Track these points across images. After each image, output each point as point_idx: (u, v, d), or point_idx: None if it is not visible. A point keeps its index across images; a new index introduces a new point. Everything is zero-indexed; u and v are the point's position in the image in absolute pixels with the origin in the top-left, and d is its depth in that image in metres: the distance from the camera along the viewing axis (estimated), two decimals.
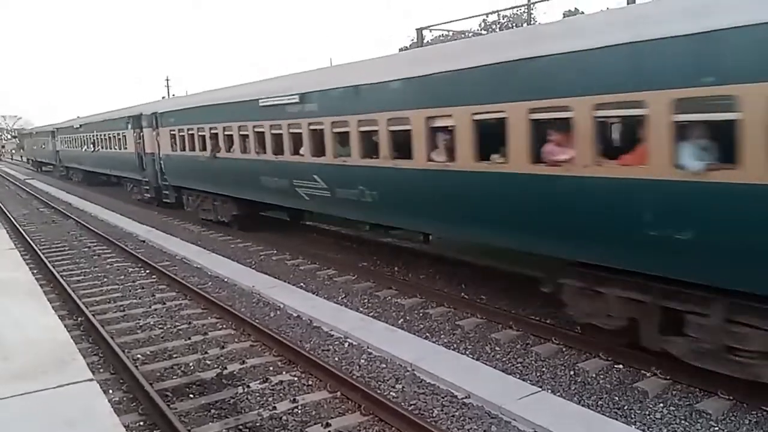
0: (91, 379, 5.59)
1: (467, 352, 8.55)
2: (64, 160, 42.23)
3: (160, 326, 10.11)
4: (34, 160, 58.72)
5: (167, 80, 63.38)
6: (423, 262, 13.50)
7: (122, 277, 13.62)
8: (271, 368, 8.20)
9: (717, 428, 6.31)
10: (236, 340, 9.33)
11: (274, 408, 6.96)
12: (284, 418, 6.78)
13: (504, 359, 8.31)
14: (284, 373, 7.99)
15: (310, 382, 7.64)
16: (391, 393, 7.24)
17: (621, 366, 7.84)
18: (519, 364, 8.12)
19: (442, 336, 9.24)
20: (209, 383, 7.79)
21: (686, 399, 6.93)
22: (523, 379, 7.56)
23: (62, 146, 41.39)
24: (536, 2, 20.22)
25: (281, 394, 7.34)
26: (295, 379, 7.77)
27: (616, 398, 7.04)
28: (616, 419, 6.50)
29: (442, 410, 6.78)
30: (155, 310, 11.05)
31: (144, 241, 17.86)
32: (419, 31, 17.96)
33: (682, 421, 6.45)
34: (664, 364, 7.60)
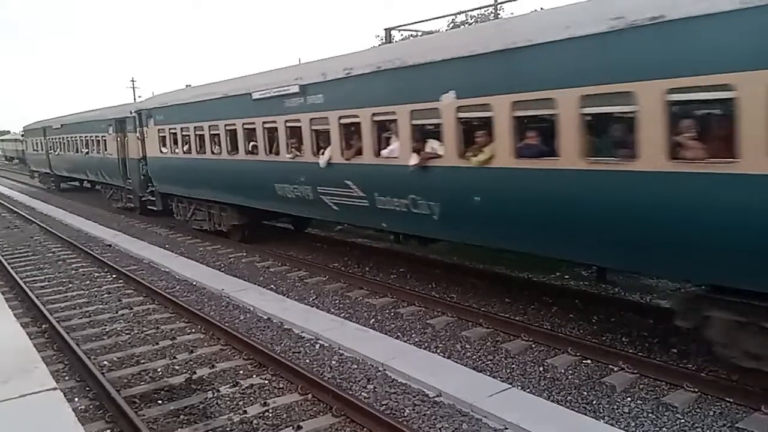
0: (55, 388, 5.48)
1: (438, 351, 8.58)
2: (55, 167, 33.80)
3: (127, 332, 9.93)
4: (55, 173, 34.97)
5: (132, 81, 62.40)
6: (394, 262, 13.51)
7: (88, 282, 13.35)
8: (241, 372, 8.11)
9: (683, 420, 6.42)
10: (205, 344, 9.21)
11: (245, 412, 6.89)
12: (255, 422, 6.71)
13: (474, 357, 8.36)
14: (255, 376, 7.91)
15: (281, 385, 7.58)
16: (362, 393, 7.22)
17: (589, 361, 7.94)
18: (489, 362, 8.17)
19: (413, 335, 9.25)
20: (178, 388, 7.67)
21: (653, 392, 7.05)
22: (494, 377, 7.61)
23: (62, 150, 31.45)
24: (503, 2, 20.35)
25: (252, 398, 7.27)
26: (266, 382, 7.70)
27: (585, 393, 7.12)
28: (585, 414, 6.57)
29: (413, 409, 6.78)
30: (122, 315, 10.85)
31: (110, 245, 17.52)
32: (387, 31, 17.98)
33: (650, 414, 6.56)
34: (631, 358, 7.74)
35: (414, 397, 7.07)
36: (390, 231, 12.35)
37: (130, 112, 21.25)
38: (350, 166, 11.05)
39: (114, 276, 13.76)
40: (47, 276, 14.07)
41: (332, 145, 11.34)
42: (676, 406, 6.63)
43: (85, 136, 26.88)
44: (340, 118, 11.08)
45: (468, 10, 24.09)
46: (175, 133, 17.64)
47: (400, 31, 18.52)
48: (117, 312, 11.03)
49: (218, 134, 15.27)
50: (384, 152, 10.37)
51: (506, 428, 6.27)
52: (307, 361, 8.35)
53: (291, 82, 12.14)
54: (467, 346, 8.76)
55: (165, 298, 11.45)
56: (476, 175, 8.76)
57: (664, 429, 6.28)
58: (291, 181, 12.64)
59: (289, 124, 12.53)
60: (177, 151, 17.63)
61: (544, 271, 11.96)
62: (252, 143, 14.03)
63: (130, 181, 22.37)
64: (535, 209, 8.07)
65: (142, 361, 8.64)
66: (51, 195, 33.61)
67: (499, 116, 8.30)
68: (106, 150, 24.22)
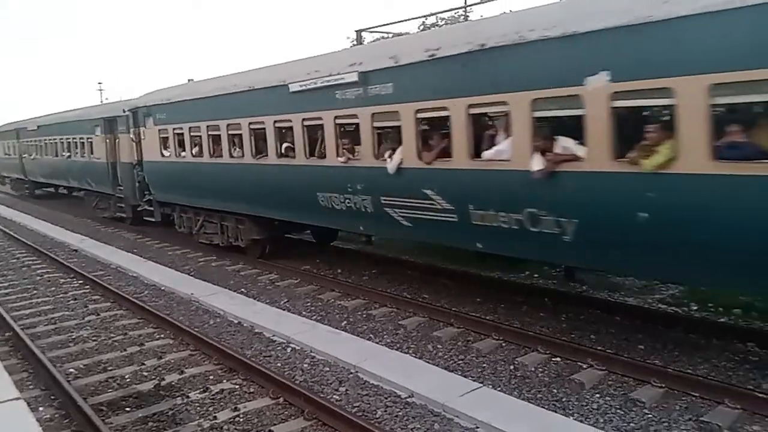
0: (18, 398, 5.36)
1: (410, 352, 8.58)
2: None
3: (93, 338, 9.74)
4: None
5: (99, 84, 61.39)
6: (366, 264, 13.50)
7: (53, 288, 13.08)
8: (211, 377, 8.02)
9: (650, 415, 6.51)
10: (174, 349, 9.08)
11: (215, 418, 6.80)
12: (225, 427, 6.63)
13: (446, 357, 8.38)
14: (225, 381, 7.82)
15: (251, 390, 7.51)
16: (334, 396, 7.19)
17: (559, 359, 8.02)
18: (461, 361, 8.20)
19: (385, 336, 9.25)
20: (146, 395, 7.55)
21: (621, 389, 7.14)
22: (465, 376, 7.63)
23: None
24: (473, 5, 20.52)
25: (222, 403, 7.18)
26: (237, 387, 7.62)
27: (555, 390, 7.19)
28: (555, 411, 6.63)
29: (385, 411, 6.77)
30: (89, 321, 10.65)
31: (76, 251, 17.20)
32: (358, 32, 17.94)
33: (618, 410, 6.65)
34: (599, 355, 7.84)
35: (386, 398, 7.06)
36: (488, 253, 10.03)
37: (123, 111, 18.94)
38: (432, 172, 8.97)
39: (80, 282, 13.50)
40: (11, 282, 13.76)
41: (404, 145, 9.34)
42: (644, 402, 6.74)
43: (67, 138, 24.46)
44: (417, 112, 9.04)
45: (438, 12, 24.20)
46: (181, 134, 15.32)
47: (371, 32, 18.50)
48: (83, 318, 10.82)
49: (239, 134, 13.10)
50: (487, 154, 8.39)
51: (477, 427, 6.30)
52: (279, 364, 8.29)
53: (345, 70, 10.01)
54: (439, 346, 8.78)
55: (133, 304, 11.27)
56: (644, 184, 6.66)
57: (632, 424, 6.36)
58: (341, 189, 10.50)
59: (340, 121, 10.50)
60: (183, 154, 15.33)
61: (514, 270, 12.06)
62: (286, 145, 11.95)
63: (121, 188, 20.04)
64: (748, 233, 5.99)
65: (110, 368, 8.49)
66: (18, 200, 32.83)
67: (685, 105, 6.23)
68: (92, 153, 21.95)
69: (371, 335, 9.30)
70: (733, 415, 6.30)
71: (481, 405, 6.64)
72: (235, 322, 10.16)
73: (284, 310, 10.69)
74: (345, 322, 10.00)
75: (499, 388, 7.29)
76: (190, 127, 14.82)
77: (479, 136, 8.66)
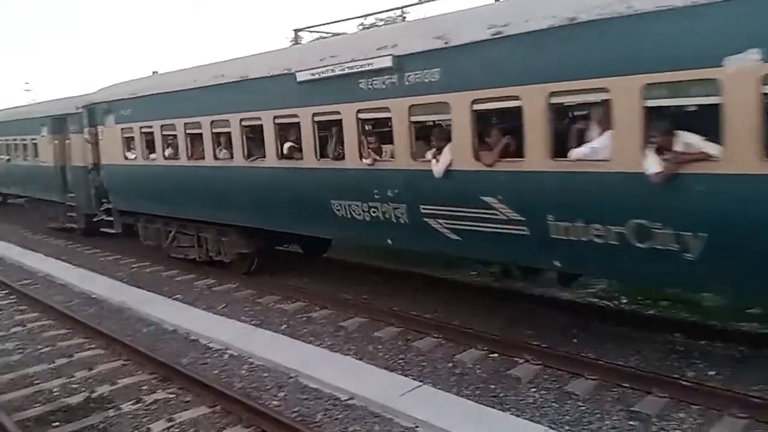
0: None
1: (351, 353, 8.55)
2: None
3: (19, 351, 9.30)
4: None
5: (26, 83, 58.65)
6: (305, 266, 13.37)
7: None
8: (144, 387, 7.77)
9: (584, 407, 6.68)
10: (106, 360, 8.76)
11: (149, 429, 6.60)
12: None
13: (386, 357, 8.39)
14: (159, 391, 7.59)
15: (187, 399, 7.31)
16: (273, 402, 7.09)
17: (496, 355, 8.15)
18: (401, 361, 8.22)
19: (325, 339, 9.18)
20: (76, 409, 7.24)
21: (556, 382, 7.30)
22: (405, 375, 7.65)
23: None
24: (409, 6, 20.61)
25: (156, 414, 6.96)
26: (172, 396, 7.41)
27: (492, 386, 7.29)
28: (493, 407, 6.72)
29: (325, 414, 6.72)
30: (14, 333, 10.17)
31: (1, 259, 16.38)
32: (297, 32, 17.75)
33: (553, 404, 6.80)
34: (535, 350, 8.01)
35: (326, 401, 7.01)
36: (572, 273, 8.49)
37: (76, 108, 16.65)
38: (494, 176, 7.50)
39: (5, 292, 12.88)
40: None
41: (455, 143, 7.84)
42: (578, 394, 6.91)
43: (6, 140, 22.22)
44: (474, 102, 7.52)
45: (376, 12, 24.25)
46: (150, 133, 13.32)
47: (310, 31, 18.31)
48: (8, 330, 10.33)
49: (227, 133, 11.31)
50: (576, 153, 6.97)
51: (417, 426, 6.33)
52: (216, 371, 8.11)
53: (375, 54, 8.47)
54: (379, 346, 8.78)
55: (61, 314, 10.81)
56: None
57: (566, 417, 6.51)
58: (365, 196, 8.97)
59: (365, 116, 8.97)
60: (153, 156, 13.39)
61: (453, 268, 12.20)
62: (289, 145, 10.35)
63: (72, 195, 17.72)
64: None
65: (37, 382, 8.12)
66: None
67: None
68: (37, 156, 19.81)
69: (312, 338, 9.21)
70: (661, 403, 6.54)
71: (421, 404, 6.68)
72: (170, 329, 9.89)
73: (222, 315, 10.47)
74: (285, 325, 9.88)
75: (438, 386, 7.33)
76: (162, 125, 12.87)
77: (561, 131, 7.26)
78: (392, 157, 8.77)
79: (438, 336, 8.85)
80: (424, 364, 8.08)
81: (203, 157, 11.97)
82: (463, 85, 7.60)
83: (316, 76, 9.27)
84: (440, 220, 8.17)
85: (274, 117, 10.20)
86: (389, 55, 8.27)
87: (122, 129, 14.28)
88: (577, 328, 8.72)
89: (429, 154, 8.30)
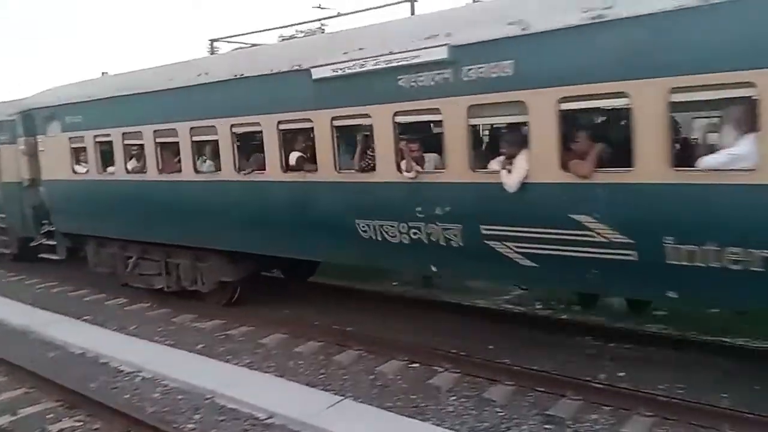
0: None
1: (271, 370, 8.36)
2: None
3: None
4: None
5: None
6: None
7: None
8: (50, 416, 7.29)
9: (502, 413, 6.80)
10: (6, 388, 8.19)
11: None
12: None
13: (307, 372, 8.26)
14: (66, 419, 7.15)
15: (96, 426, 6.93)
16: (188, 425, 6.82)
17: (417, 365, 8.20)
18: (322, 376, 8.12)
19: (244, 357, 8.95)
20: None
21: (474, 389, 7.40)
22: (327, 390, 7.57)
23: None
24: (327, 18, 20.73)
25: None
26: (79, 425, 7.00)
27: (413, 397, 7.31)
28: (414, 417, 6.73)
29: None
30: None
31: None
32: (213, 42, 17.39)
33: (472, 411, 6.89)
34: (454, 358, 8.11)
35: (244, 422, 6.82)
36: (691, 305, 7.63)
37: (8, 115, 14.56)
38: (589, 189, 6.28)
39: None
40: None
41: (533, 151, 6.58)
42: (495, 401, 7.03)
43: None
44: (561, 101, 6.28)
45: (295, 24, 24.13)
46: (108, 142, 11.53)
47: (229, 41, 17.95)
48: None
49: (214, 141, 9.77)
50: (708, 161, 5.82)
51: None
52: (127, 396, 7.74)
53: (422, 45, 7.14)
54: (300, 362, 8.65)
55: None
56: None
57: (485, 424, 6.61)
58: (404, 215, 7.65)
59: (404, 119, 7.64)
60: (111, 170, 11.65)
61: (372, 279, 12.21)
62: (298, 155, 8.91)
63: (2, 216, 15.82)
64: None
65: None
66: None
67: None
68: None
69: (230, 357, 8.96)
70: (575, 406, 6.75)
71: (343, 418, 6.63)
72: (78, 352, 9.38)
73: (134, 336, 10.03)
74: (201, 345, 9.56)
75: (360, 400, 7.28)
76: (125, 134, 11.15)
77: (684, 135, 6.55)
78: (442, 168, 7.43)
79: (359, 348, 8.81)
80: (346, 377, 8.02)
81: (179, 170, 10.34)
82: (547, 80, 6.33)
83: (339, 73, 7.89)
84: (509, 243, 6.88)
85: (278, 122, 8.75)
86: (444, 45, 6.89)
87: (70, 138, 12.31)
88: (494, 334, 8.91)
89: (495, 164, 7.05)
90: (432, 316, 9.94)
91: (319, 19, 26.12)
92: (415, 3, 10.81)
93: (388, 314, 10.17)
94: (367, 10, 9.86)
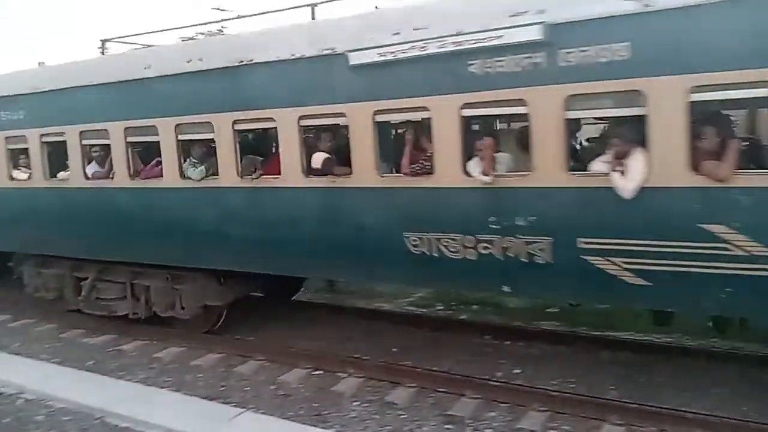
0: None
1: (167, 385, 8.04)
2: None
3: None
4: None
5: None
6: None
7: None
8: None
9: (404, 416, 6.87)
10: None
11: None
12: None
13: (207, 385, 8.00)
14: None
15: None
16: None
17: (321, 372, 8.13)
18: (223, 388, 7.89)
19: (138, 372, 8.54)
20: None
21: (377, 393, 7.44)
22: (227, 403, 7.35)
23: None
24: (228, 19, 20.27)
25: None
26: None
27: (316, 404, 7.25)
28: (316, 425, 6.66)
29: None
30: None
31: None
32: (104, 42, 16.49)
33: (374, 415, 6.91)
34: (357, 363, 8.12)
35: None
36: None
37: None
38: (728, 195, 5.36)
39: None
40: None
41: (654, 150, 5.57)
42: (397, 404, 7.09)
43: None
44: (693, 90, 5.34)
45: (195, 25, 23.36)
46: (61, 142, 9.72)
47: (124, 42, 17.06)
48: None
49: (207, 140, 8.42)
50: None
51: None
52: (7, 420, 7.17)
53: (505, 23, 6.01)
54: (199, 375, 8.37)
55: None
56: None
57: (388, 427, 6.65)
58: (473, 227, 6.50)
59: (474, 111, 6.52)
60: (64, 175, 9.95)
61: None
62: (324, 157, 7.63)
63: None
64: None
65: None
66: None
67: None
68: None
69: (122, 372, 8.52)
70: (474, 404, 6.92)
71: (243, 430, 6.45)
72: None
73: (16, 354, 9.33)
74: (91, 361, 9.03)
75: (262, 411, 7.12)
76: (83, 132, 9.41)
77: None
78: (524, 170, 6.28)
79: (261, 358, 8.64)
80: (248, 389, 7.83)
81: (160, 176, 8.82)
82: (675, 66, 5.38)
83: (388, 57, 6.63)
84: (615, 259, 5.88)
85: (300, 117, 7.40)
86: (538, 23, 5.79)
87: (6, 138, 10.50)
88: (397, 337, 9.00)
89: (599, 165, 6.04)
90: (337, 321, 9.91)
91: (219, 21, 25.61)
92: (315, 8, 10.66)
93: (293, 321, 10.03)
94: (269, 12, 9.59)
